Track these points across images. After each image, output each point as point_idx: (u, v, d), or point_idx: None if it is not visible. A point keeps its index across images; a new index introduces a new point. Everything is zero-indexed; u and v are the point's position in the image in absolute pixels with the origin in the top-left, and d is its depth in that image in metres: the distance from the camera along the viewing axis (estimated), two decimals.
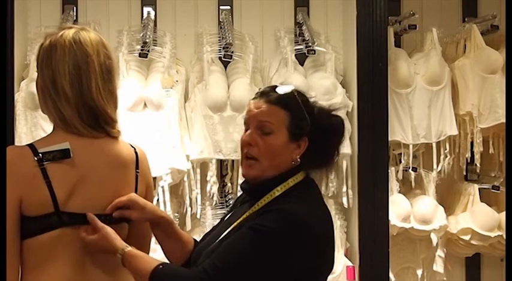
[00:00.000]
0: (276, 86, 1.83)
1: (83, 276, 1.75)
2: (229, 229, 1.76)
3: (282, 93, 1.79)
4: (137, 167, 1.86)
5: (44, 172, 1.69)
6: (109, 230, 1.73)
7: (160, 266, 1.67)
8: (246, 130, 1.81)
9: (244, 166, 1.80)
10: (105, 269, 1.78)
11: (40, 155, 1.69)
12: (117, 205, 1.78)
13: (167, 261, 1.87)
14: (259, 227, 1.63)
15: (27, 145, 1.74)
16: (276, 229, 1.62)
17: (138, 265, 1.69)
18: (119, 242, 1.73)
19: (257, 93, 1.85)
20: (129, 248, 1.72)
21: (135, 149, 1.89)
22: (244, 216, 1.76)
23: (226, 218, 1.92)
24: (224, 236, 1.75)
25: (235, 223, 1.76)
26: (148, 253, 1.93)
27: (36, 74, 3.13)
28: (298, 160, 1.76)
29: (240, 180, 3.24)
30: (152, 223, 1.88)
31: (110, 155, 1.79)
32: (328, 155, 1.82)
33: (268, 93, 1.80)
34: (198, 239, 1.98)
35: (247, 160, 1.78)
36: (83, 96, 1.74)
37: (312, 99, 1.83)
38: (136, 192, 1.84)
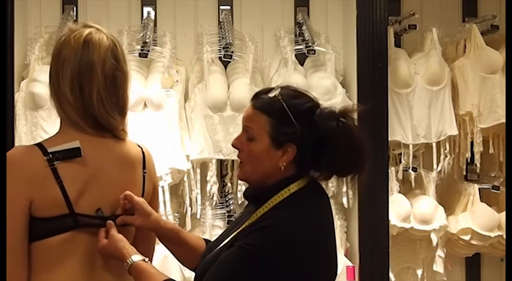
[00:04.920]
0: (271, 89, 1.75)
1: (93, 279, 1.73)
2: (231, 237, 1.74)
3: (268, 97, 1.72)
4: (144, 166, 1.84)
5: (55, 172, 1.65)
6: (119, 238, 1.72)
7: None
8: None
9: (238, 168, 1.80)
10: (114, 272, 1.76)
11: (50, 154, 1.66)
12: (128, 200, 1.77)
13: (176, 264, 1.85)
14: (246, 247, 1.61)
15: (36, 144, 1.70)
16: (262, 247, 1.59)
17: (143, 279, 1.67)
18: (128, 251, 1.70)
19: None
20: (137, 261, 1.69)
21: (142, 148, 1.87)
22: (244, 225, 1.73)
23: (237, 217, 1.91)
24: (224, 245, 1.73)
25: (236, 232, 1.74)
26: (153, 254, 1.93)
27: (36, 74, 3.16)
28: (283, 166, 1.69)
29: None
30: (157, 233, 1.87)
31: (118, 154, 1.78)
32: (333, 163, 1.71)
33: (258, 97, 1.75)
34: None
35: (239, 162, 1.77)
36: (85, 104, 1.70)
37: (307, 104, 1.73)
38: (143, 191, 1.83)
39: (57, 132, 1.77)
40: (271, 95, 1.72)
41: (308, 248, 1.63)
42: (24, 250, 1.67)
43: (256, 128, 1.71)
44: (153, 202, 1.90)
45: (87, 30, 1.74)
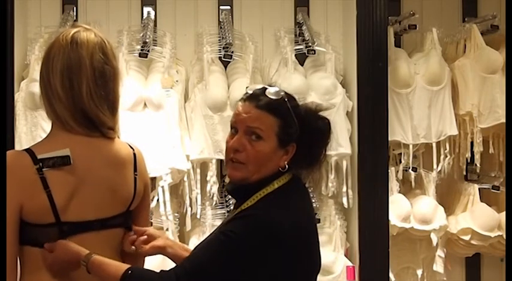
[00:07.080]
0: (265, 89, 1.77)
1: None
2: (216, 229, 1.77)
3: (273, 98, 1.74)
4: (135, 166, 1.85)
5: (44, 181, 1.67)
6: (67, 242, 1.70)
7: (129, 271, 1.65)
8: (232, 133, 1.77)
9: (229, 168, 1.77)
10: None
11: (40, 162, 1.67)
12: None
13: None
14: (228, 233, 1.63)
15: (26, 150, 1.71)
16: (243, 234, 1.62)
17: (105, 271, 1.67)
18: (81, 250, 1.69)
19: (245, 94, 1.79)
20: (94, 256, 1.68)
21: (133, 149, 1.87)
22: (228, 219, 1.75)
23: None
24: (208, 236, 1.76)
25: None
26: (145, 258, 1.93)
27: (36, 74, 3.15)
28: (286, 166, 1.74)
29: None
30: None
31: (108, 154, 1.78)
32: (315, 157, 1.79)
33: (258, 97, 1.75)
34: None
35: (233, 163, 1.75)
36: (75, 98, 1.72)
37: (300, 103, 1.79)
38: (135, 191, 1.83)
39: (47, 136, 1.78)
40: (274, 96, 1.74)
41: (288, 238, 1.65)
42: (13, 252, 1.69)
43: (265, 128, 1.72)
44: (144, 200, 1.91)
45: (75, 29, 1.78)
